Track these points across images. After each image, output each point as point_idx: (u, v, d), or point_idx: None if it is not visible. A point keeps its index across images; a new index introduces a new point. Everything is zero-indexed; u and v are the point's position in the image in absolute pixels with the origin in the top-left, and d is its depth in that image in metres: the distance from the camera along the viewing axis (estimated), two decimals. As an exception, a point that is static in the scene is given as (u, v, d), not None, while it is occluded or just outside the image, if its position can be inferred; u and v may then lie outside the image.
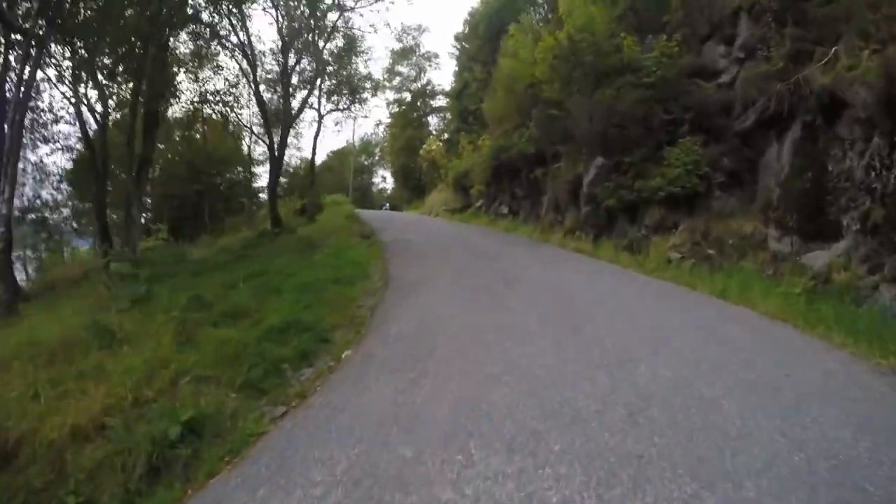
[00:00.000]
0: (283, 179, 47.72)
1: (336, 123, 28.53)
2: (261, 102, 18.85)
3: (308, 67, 20.54)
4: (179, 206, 30.13)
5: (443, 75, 76.94)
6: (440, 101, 46.17)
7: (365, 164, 69.62)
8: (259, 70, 18.93)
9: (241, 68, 18.90)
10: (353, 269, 9.23)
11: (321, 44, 19.82)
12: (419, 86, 46.80)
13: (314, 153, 24.85)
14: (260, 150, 39.83)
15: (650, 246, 10.57)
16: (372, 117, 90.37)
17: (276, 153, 19.30)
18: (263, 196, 30.77)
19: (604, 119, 12.04)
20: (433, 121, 46.85)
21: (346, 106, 23.83)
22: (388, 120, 48.84)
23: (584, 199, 12.63)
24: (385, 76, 46.61)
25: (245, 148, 39.76)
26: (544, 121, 14.58)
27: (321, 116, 23.29)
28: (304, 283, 7.93)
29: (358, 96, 23.25)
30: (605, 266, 9.74)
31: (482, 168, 19.48)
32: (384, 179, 71.54)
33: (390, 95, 47.13)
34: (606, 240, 11.73)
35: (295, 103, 20.18)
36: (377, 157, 65.02)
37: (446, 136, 38.14)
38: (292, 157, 62.39)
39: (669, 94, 11.45)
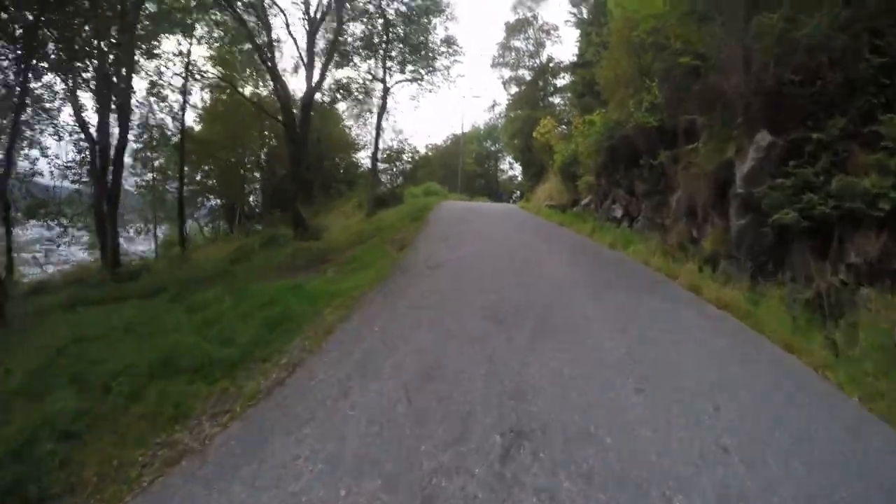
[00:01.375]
0: (382, 166, 45.98)
1: (412, 98, 24.43)
2: (274, 73, 15.58)
3: (363, 29, 16.96)
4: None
5: (565, 51, 70.07)
6: (565, 80, 40.74)
7: (491, 151, 66.33)
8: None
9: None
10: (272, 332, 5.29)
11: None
12: (538, 63, 41.66)
13: (378, 134, 20.86)
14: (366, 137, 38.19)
15: (857, 310, 5.39)
16: (483, 95, 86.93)
17: (300, 132, 15.84)
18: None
19: (770, 64, 6.88)
20: (557, 101, 41.43)
21: (419, 76, 19.90)
22: (507, 100, 44.37)
23: (735, 204, 7.49)
24: (498, 52, 42.38)
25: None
26: (672, 76, 9.47)
27: (386, 89, 19.58)
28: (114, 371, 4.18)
29: (431, 63, 19.21)
30: (773, 361, 4.74)
31: (591, 151, 14.53)
32: (511, 166, 67.64)
33: (505, 73, 42.69)
34: (772, 284, 6.60)
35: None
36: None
37: (567, 118, 33.00)
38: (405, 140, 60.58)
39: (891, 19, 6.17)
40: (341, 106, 33.13)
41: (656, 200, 11.51)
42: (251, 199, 35.28)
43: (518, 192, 68.01)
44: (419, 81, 20.44)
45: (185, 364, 4.13)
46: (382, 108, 19.93)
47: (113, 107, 14.38)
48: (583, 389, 3.82)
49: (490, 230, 12.53)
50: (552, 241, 11.12)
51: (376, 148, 20.63)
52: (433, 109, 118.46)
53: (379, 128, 19.80)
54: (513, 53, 41.98)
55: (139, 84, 27.99)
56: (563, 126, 29.73)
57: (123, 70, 14.26)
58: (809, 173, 6.40)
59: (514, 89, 43.07)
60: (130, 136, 21.17)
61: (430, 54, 19.33)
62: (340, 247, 11.46)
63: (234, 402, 3.70)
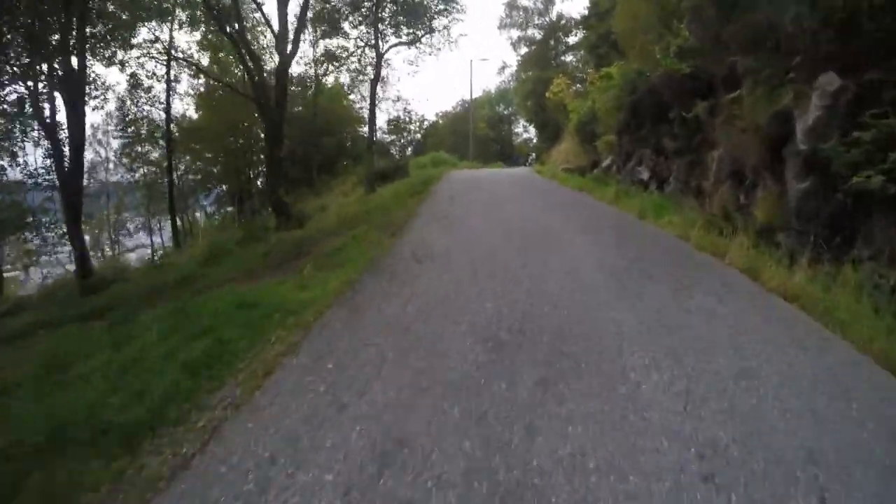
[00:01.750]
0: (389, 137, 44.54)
1: (410, 63, 22.74)
2: (240, 42, 14.24)
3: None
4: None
5: (576, 6, 66.66)
6: (577, 38, 38.48)
7: (504, 115, 64.41)
8: None
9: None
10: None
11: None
12: (547, 20, 39.40)
13: (373, 105, 19.11)
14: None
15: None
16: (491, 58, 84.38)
17: (276, 104, 14.26)
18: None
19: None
20: (570, 59, 39.22)
21: (413, 38, 18.36)
22: (518, 61, 42.29)
23: (794, 164, 6.15)
24: (505, 12, 40.13)
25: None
26: (705, 14, 8.04)
27: (380, 56, 18.12)
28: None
29: (428, 23, 17.66)
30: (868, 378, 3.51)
31: (611, 107, 13.08)
32: (525, 129, 65.64)
33: (514, 34, 40.52)
34: (843, 263, 5.32)
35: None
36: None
37: (580, 76, 31.10)
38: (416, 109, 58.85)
39: None
40: (343, 79, 31.84)
41: (690, 160, 10.12)
42: (259, 182, 34.31)
43: (533, 155, 66.34)
44: (416, 45, 18.90)
45: (82, 434, 3.07)
46: (376, 78, 18.49)
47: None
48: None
49: (498, 203, 11.25)
50: (569, 212, 9.82)
51: (372, 119, 19.20)
52: (439, 75, 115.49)
53: (374, 98, 18.39)
54: (521, 13, 39.78)
55: (119, 77, 26.96)
56: (578, 85, 28.03)
57: (75, 62, 13.15)
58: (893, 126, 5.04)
59: (523, 50, 41.02)
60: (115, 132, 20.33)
61: (427, 14, 17.72)
62: (325, 235, 10.32)
63: (129, 491, 2.63)
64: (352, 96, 36.99)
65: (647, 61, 10.87)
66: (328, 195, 19.57)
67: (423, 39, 18.77)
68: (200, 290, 8.21)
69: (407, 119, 48.13)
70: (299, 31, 14.67)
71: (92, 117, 24.11)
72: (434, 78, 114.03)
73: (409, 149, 49.90)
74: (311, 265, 7.82)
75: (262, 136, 29.98)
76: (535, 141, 64.83)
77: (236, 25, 13.90)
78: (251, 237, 12.70)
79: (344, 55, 19.43)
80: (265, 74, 15.28)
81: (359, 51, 19.08)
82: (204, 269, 10.42)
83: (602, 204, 10.76)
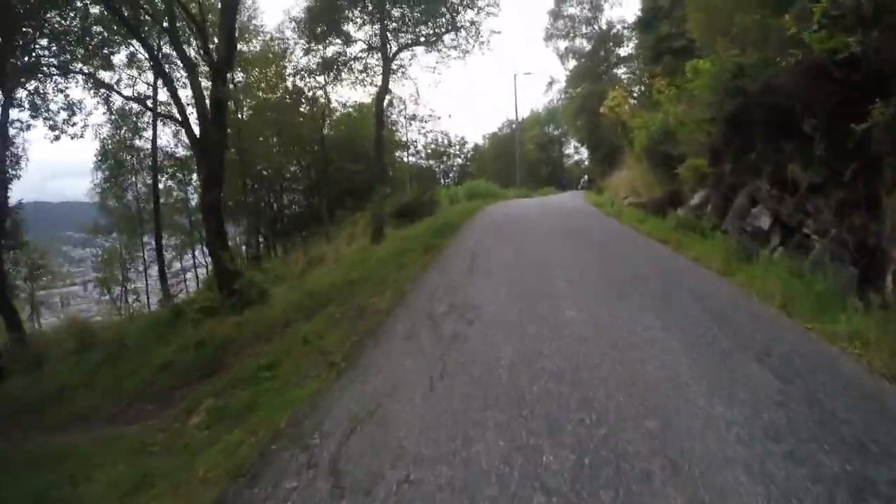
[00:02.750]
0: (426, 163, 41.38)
1: (433, 69, 19.02)
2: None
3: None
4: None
5: (626, 13, 62.14)
6: (629, 49, 34.54)
7: (554, 136, 60.85)
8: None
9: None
10: None
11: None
12: (596, 29, 35.60)
13: (380, 121, 15.28)
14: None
15: None
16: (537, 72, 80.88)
17: (211, 126, 10.55)
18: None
19: None
20: (621, 73, 35.19)
21: (432, 36, 14.99)
22: (566, 76, 38.60)
23: None
24: (550, 21, 36.62)
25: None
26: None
27: (388, 59, 14.70)
28: None
29: (451, 19, 14.27)
30: None
31: (701, 119, 9.25)
32: (577, 150, 61.76)
33: (560, 45, 36.88)
34: None
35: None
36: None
37: (637, 89, 27.10)
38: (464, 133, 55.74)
39: None
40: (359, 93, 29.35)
41: (842, 198, 6.22)
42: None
43: (586, 177, 62.18)
44: (437, 45, 15.46)
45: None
46: (384, 88, 14.91)
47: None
48: None
49: (545, 274, 7.50)
50: (667, 299, 5.86)
51: (379, 142, 15.42)
52: (483, 93, 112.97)
53: (381, 115, 14.94)
54: (566, 21, 36.16)
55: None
56: (633, 100, 24.10)
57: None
58: None
59: (571, 63, 37.34)
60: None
61: (448, 4, 14.30)
62: (269, 329, 6.97)
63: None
64: (392, 117, 34.43)
65: (774, 45, 7.03)
66: (332, 241, 16.46)
67: (446, 39, 15.30)
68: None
69: (445, 142, 45.09)
70: (231, 21, 11.08)
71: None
72: (477, 96, 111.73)
73: (450, 175, 46.87)
74: (206, 411, 4.46)
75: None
76: (587, 162, 60.81)
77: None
78: (180, 319, 9.45)
79: (343, 61, 16.06)
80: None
81: (365, 55, 15.75)
82: (86, 378, 7.22)
83: (711, 277, 6.81)
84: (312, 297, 7.83)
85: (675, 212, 10.49)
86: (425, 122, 35.88)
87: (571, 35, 35.86)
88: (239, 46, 16.28)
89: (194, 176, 21.64)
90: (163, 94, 19.46)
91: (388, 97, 16.68)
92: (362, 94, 41.13)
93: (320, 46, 15.84)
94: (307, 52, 16.93)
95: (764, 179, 7.89)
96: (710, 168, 9.11)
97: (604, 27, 35.56)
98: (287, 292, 9.48)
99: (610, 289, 6.17)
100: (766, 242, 7.54)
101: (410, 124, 35.62)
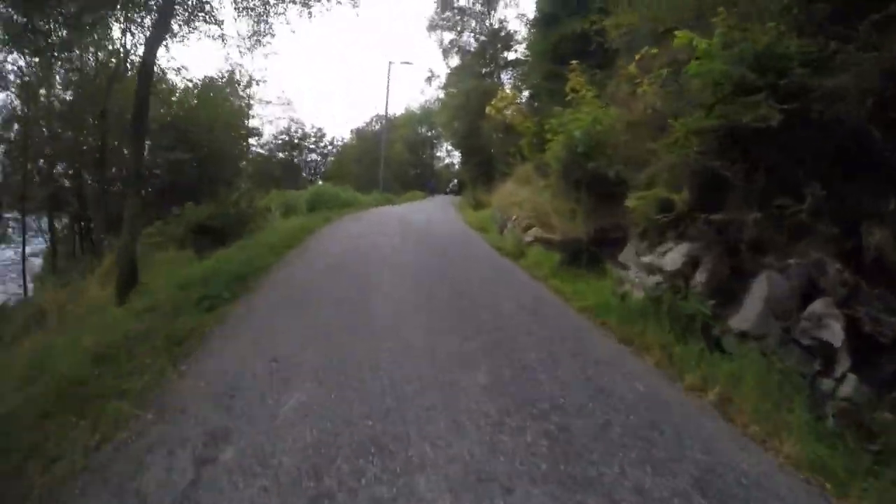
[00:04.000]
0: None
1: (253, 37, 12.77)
2: None
3: None
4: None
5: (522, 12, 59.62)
6: (518, 54, 31.84)
7: (427, 137, 57.41)
8: None
9: None
10: None
11: None
12: (487, 26, 32.39)
13: (142, 104, 9.38)
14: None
15: None
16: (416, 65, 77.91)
17: None
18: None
19: None
20: (507, 78, 32.28)
21: None
22: (448, 73, 34.95)
23: None
24: (437, 9, 32.77)
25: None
26: None
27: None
28: None
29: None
30: None
31: (695, 125, 5.45)
32: (449, 154, 58.93)
33: (446, 37, 33.21)
34: None
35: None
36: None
37: (526, 94, 23.93)
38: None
39: None
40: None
41: None
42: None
43: (455, 182, 59.47)
44: None
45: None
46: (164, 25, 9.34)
47: None
48: None
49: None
50: None
51: (139, 129, 9.71)
52: (357, 86, 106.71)
53: (145, 92, 9.16)
54: (455, 14, 32.50)
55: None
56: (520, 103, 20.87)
57: None
58: None
59: (455, 60, 33.79)
60: None
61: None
62: None
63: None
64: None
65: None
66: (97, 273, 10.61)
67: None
68: None
69: (298, 132, 39.08)
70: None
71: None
72: (349, 86, 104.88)
73: (305, 173, 41.06)
74: None
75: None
76: (457, 167, 58.21)
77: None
78: None
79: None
80: None
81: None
82: None
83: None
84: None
85: (615, 268, 6.68)
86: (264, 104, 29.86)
87: (459, 28, 32.27)
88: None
89: None
90: None
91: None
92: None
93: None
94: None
95: (819, 248, 4.27)
96: (698, 211, 5.35)
97: (496, 25, 32.43)
98: None
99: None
100: (830, 367, 3.85)
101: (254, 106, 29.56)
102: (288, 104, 36.40)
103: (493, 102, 19.37)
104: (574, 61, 11.70)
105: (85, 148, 19.50)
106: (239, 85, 27.48)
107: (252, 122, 29.26)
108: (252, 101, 28.78)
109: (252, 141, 32.39)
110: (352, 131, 48.53)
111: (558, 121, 9.13)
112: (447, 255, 9.01)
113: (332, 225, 12.88)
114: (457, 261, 8.57)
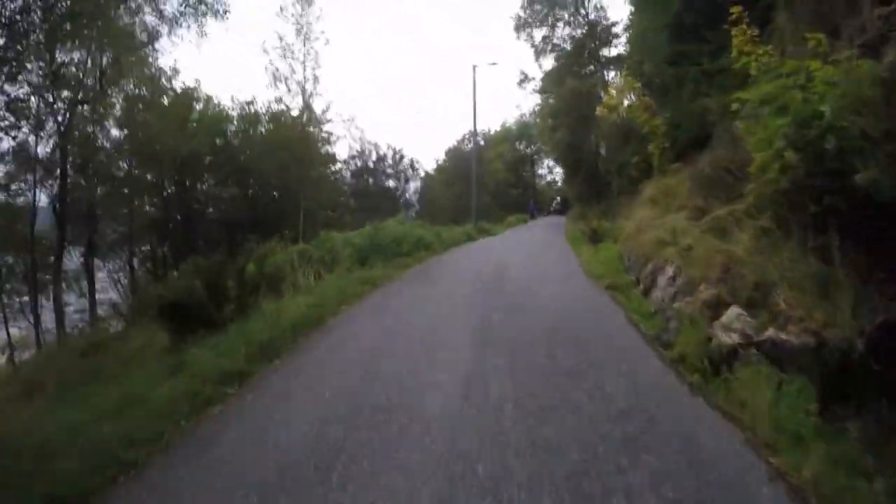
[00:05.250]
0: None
1: None
2: None
3: None
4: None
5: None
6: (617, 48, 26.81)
7: (526, 154, 53.52)
8: None
9: None
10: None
11: None
12: (584, 15, 27.71)
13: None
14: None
15: None
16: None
17: None
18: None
19: None
20: (610, 77, 27.30)
21: None
22: (542, 77, 30.56)
23: None
24: (523, 5, 28.53)
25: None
26: None
27: None
28: None
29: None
30: None
31: None
32: (550, 170, 54.39)
33: (537, 35, 28.88)
34: None
35: None
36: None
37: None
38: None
39: None
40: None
41: None
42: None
43: (558, 199, 54.69)
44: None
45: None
46: None
47: None
48: None
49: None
50: None
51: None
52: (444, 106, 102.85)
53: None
54: (546, 4, 28.08)
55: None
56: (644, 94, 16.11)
57: None
58: None
59: (549, 61, 29.36)
60: None
61: None
62: None
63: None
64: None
65: None
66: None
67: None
68: None
69: (372, 154, 35.71)
70: None
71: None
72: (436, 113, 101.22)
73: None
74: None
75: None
76: (559, 183, 53.30)
77: None
78: None
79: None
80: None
81: None
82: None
83: None
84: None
85: None
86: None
87: (550, 22, 27.97)
88: None
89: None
90: None
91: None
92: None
93: None
94: None
95: None
96: None
97: (591, 15, 27.78)
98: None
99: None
100: None
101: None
102: (350, 121, 33.13)
103: (604, 99, 14.89)
104: (736, 7, 7.19)
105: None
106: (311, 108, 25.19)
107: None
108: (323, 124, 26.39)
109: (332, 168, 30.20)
110: (446, 153, 45.36)
111: (761, 91, 4.63)
112: (570, 374, 4.65)
113: (376, 295, 8.94)
114: (590, 398, 4.23)
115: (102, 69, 16.73)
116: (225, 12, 17.31)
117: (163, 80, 20.52)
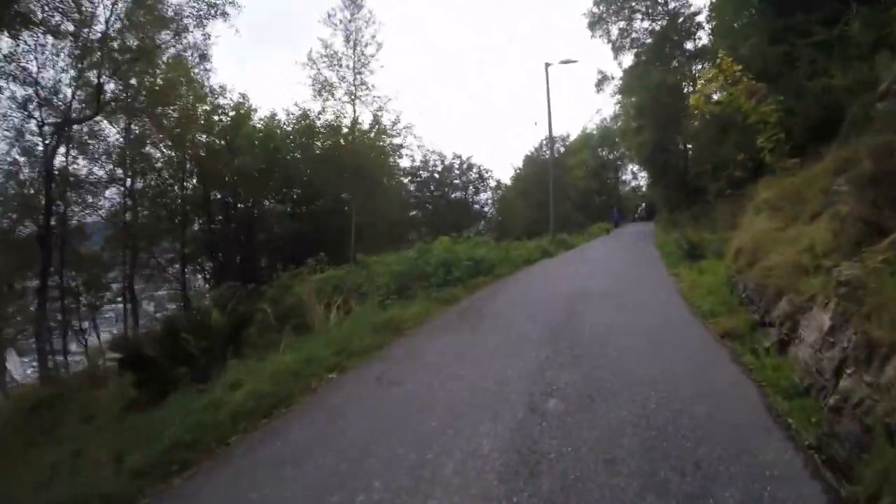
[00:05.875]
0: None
1: None
2: None
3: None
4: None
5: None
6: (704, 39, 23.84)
7: (608, 160, 51.49)
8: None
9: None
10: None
11: None
12: (661, 9, 24.98)
13: None
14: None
15: None
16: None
17: None
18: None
19: None
20: (697, 70, 24.31)
21: None
22: (622, 72, 27.97)
23: None
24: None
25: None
26: None
27: None
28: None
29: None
30: None
31: None
32: (634, 176, 51.66)
33: (613, 30, 26.36)
34: None
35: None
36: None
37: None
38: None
39: None
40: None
41: None
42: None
43: (642, 206, 51.90)
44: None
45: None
46: None
47: None
48: None
49: None
50: None
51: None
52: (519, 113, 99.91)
53: None
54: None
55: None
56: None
57: None
58: None
59: (629, 58, 26.78)
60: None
61: None
62: None
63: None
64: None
65: None
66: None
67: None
68: None
69: (437, 164, 34.22)
70: None
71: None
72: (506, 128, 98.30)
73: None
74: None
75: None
76: (644, 188, 49.95)
77: None
78: None
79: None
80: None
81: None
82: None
83: None
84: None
85: None
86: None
87: (627, 14, 25.50)
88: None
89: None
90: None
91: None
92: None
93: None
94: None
95: None
96: None
97: (670, 5, 25.09)
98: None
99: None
100: None
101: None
102: (408, 127, 31.34)
103: (698, 87, 12.58)
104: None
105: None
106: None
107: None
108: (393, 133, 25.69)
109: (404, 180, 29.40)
110: (523, 160, 43.38)
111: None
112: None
113: (387, 353, 6.72)
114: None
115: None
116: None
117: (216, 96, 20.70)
